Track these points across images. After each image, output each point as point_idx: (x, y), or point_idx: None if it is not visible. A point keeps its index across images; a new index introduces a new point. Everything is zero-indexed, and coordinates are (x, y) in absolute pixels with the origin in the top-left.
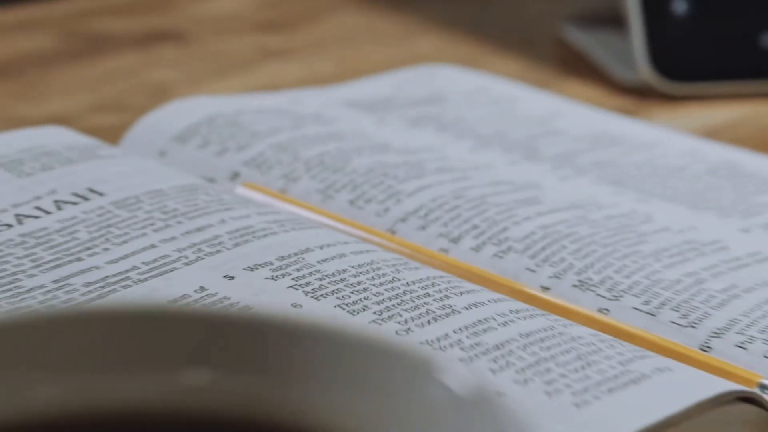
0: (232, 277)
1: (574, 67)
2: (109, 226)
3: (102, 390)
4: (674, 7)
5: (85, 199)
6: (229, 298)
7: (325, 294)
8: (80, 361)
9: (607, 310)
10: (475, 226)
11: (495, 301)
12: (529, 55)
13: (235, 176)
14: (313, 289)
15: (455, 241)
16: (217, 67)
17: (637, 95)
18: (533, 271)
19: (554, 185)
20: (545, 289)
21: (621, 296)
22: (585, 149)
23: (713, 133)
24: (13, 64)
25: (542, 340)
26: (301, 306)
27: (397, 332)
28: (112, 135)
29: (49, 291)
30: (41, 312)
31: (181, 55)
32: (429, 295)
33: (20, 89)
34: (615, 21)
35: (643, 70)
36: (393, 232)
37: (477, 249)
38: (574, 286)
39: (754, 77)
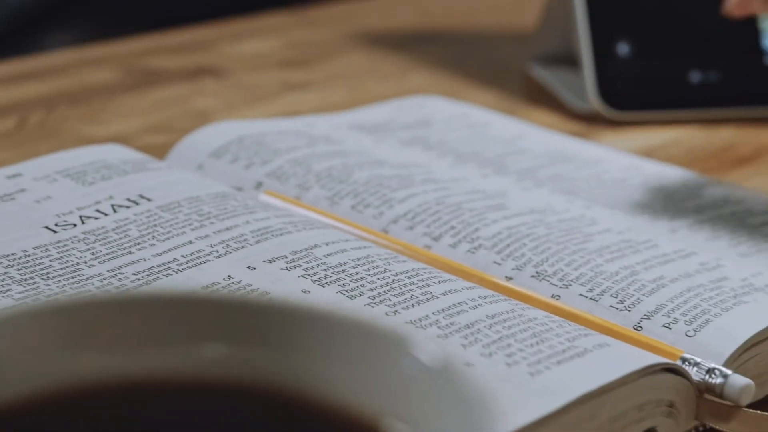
0: (254, 268)
1: (538, 98)
2: (155, 225)
3: (139, 361)
4: (618, 49)
5: (136, 203)
6: (251, 285)
7: (329, 282)
8: (122, 339)
9: (558, 296)
10: (453, 227)
11: (467, 289)
12: (501, 88)
13: (259, 185)
14: (319, 278)
15: (436, 239)
16: (248, 96)
17: (588, 121)
18: (499, 264)
19: (518, 194)
20: (509, 278)
21: (570, 285)
22: (544, 165)
23: (649, 153)
24: (84, 93)
25: (504, 320)
26: (309, 292)
27: (386, 314)
28: (161, 151)
29: (104, 279)
30: (92, 297)
31: (219, 86)
32: (413, 283)
33: (89, 114)
34: (571, 61)
35: (592, 100)
36: (386, 232)
37: (454, 246)
38: (532, 276)
39: (683, 107)
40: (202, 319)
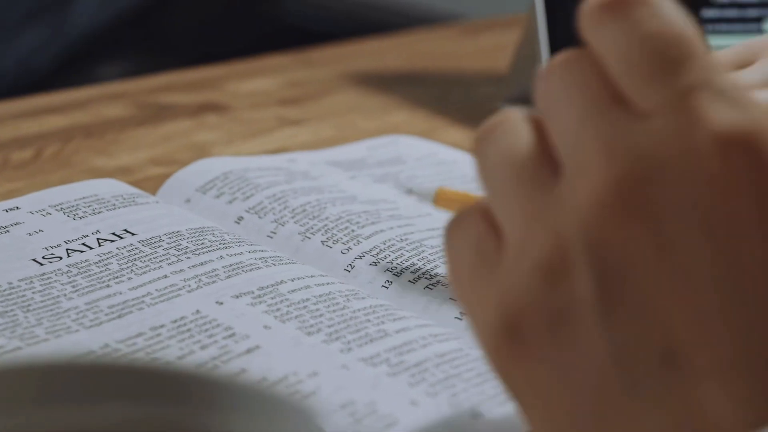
0: (222, 303)
1: None
2: (135, 259)
3: (53, 420)
4: None
5: (121, 237)
6: (216, 320)
7: (290, 318)
8: (38, 397)
9: None
10: (414, 264)
11: (420, 327)
12: (474, 126)
13: (240, 219)
14: (281, 314)
15: (398, 274)
16: (246, 131)
17: None
18: (455, 299)
19: None
20: (463, 314)
21: None
22: None
23: None
24: (97, 127)
25: (453, 359)
26: (270, 327)
27: (341, 350)
28: (161, 183)
29: (80, 311)
30: (12, 361)
31: (222, 121)
32: (369, 320)
33: (100, 146)
34: None
35: None
36: (352, 267)
37: (413, 281)
38: None
39: None
40: (104, 379)
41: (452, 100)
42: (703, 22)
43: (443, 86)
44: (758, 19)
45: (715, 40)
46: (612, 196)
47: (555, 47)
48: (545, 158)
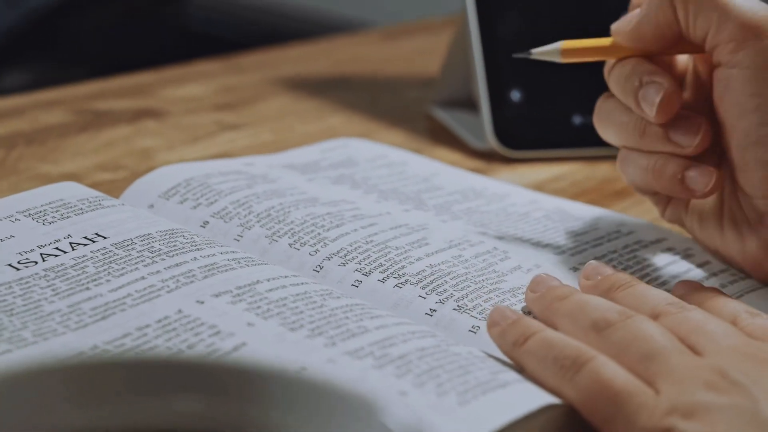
0: (203, 302)
1: (441, 138)
2: (111, 262)
3: (119, 414)
4: (511, 95)
5: (93, 241)
6: (200, 318)
7: (272, 315)
8: (122, 390)
9: (478, 327)
10: (381, 264)
11: (397, 325)
12: (408, 129)
13: (205, 224)
14: (262, 312)
15: (367, 274)
16: (187, 137)
17: (486, 159)
18: (424, 298)
19: (438, 226)
20: (433, 311)
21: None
22: (458, 200)
23: (540, 186)
24: (39, 134)
25: (433, 353)
26: (254, 324)
27: (325, 345)
28: (110, 187)
29: (64, 314)
30: (72, 359)
31: (160, 127)
32: (348, 318)
33: (44, 153)
34: (469, 105)
35: (490, 140)
36: (321, 268)
37: (383, 281)
38: (454, 309)
39: (568, 146)
40: (177, 373)
41: (383, 104)
42: None
43: (372, 90)
44: None
45: None
46: None
47: (488, 50)
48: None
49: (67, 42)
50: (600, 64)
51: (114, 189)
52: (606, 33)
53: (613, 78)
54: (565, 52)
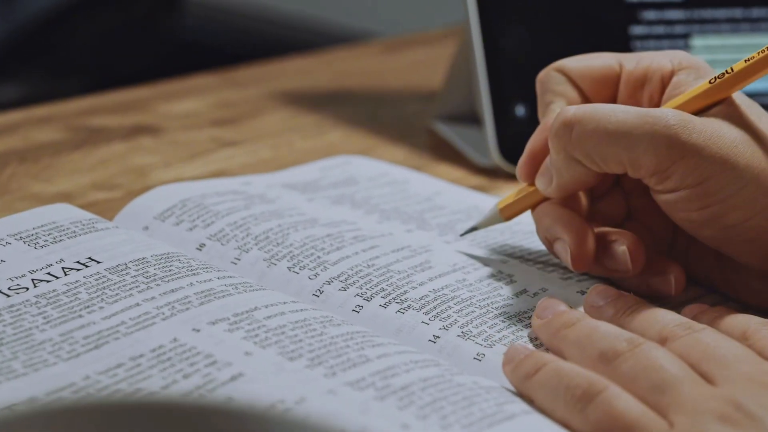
0: (199, 330)
1: (444, 154)
2: (104, 288)
3: None
4: (516, 111)
5: (86, 266)
6: (195, 348)
7: (270, 344)
8: None
9: (483, 354)
10: (383, 289)
11: (399, 353)
12: (409, 144)
13: (201, 246)
14: (260, 340)
15: (368, 299)
16: (184, 154)
17: (490, 175)
18: (427, 324)
19: (441, 248)
20: (436, 337)
21: (494, 345)
22: (462, 219)
23: None
24: (31, 152)
25: (436, 384)
26: (252, 354)
27: (325, 375)
28: (106, 207)
29: (56, 343)
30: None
31: (157, 144)
32: (349, 346)
33: (36, 172)
34: (472, 119)
35: (494, 156)
36: (321, 292)
37: (385, 306)
38: (458, 336)
39: None
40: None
41: (384, 119)
42: (630, 39)
43: (373, 104)
44: (685, 36)
45: None
46: None
47: (491, 63)
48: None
49: (61, 54)
50: None
51: (109, 209)
52: (608, 46)
53: (536, 224)
54: (503, 211)
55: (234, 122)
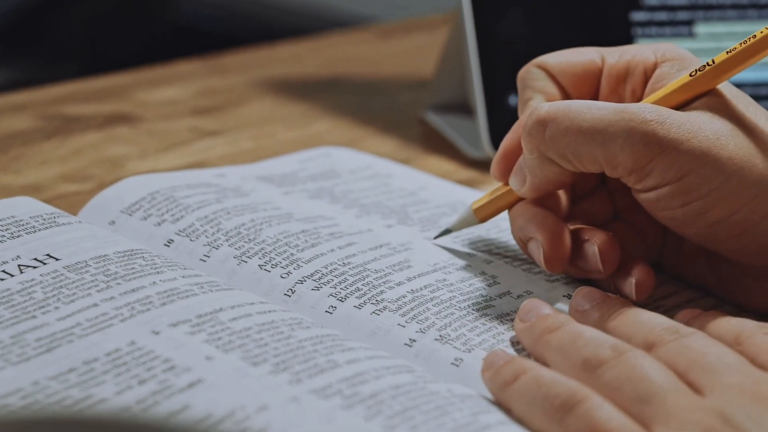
0: (158, 333)
1: (434, 145)
2: (61, 287)
3: None
4: (509, 100)
5: (44, 263)
6: (154, 351)
7: (233, 348)
8: None
9: (461, 359)
10: (358, 289)
11: (370, 359)
12: (399, 135)
13: (170, 242)
14: (223, 344)
15: (342, 300)
16: (160, 144)
17: (482, 168)
18: (403, 326)
19: (422, 246)
20: (412, 341)
21: (473, 349)
22: (446, 213)
23: None
24: (1, 141)
25: (408, 392)
26: (213, 358)
27: (290, 381)
28: (76, 200)
29: (5, 346)
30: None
31: (133, 134)
32: (317, 351)
33: (4, 163)
34: (465, 108)
35: (486, 148)
36: (293, 291)
37: (359, 307)
38: (436, 339)
39: None
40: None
41: (374, 108)
42: (631, 25)
43: (364, 93)
44: (689, 23)
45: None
46: None
47: (484, 51)
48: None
49: (51, 39)
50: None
51: (78, 202)
52: (607, 33)
53: (511, 224)
54: (477, 211)
55: (216, 111)
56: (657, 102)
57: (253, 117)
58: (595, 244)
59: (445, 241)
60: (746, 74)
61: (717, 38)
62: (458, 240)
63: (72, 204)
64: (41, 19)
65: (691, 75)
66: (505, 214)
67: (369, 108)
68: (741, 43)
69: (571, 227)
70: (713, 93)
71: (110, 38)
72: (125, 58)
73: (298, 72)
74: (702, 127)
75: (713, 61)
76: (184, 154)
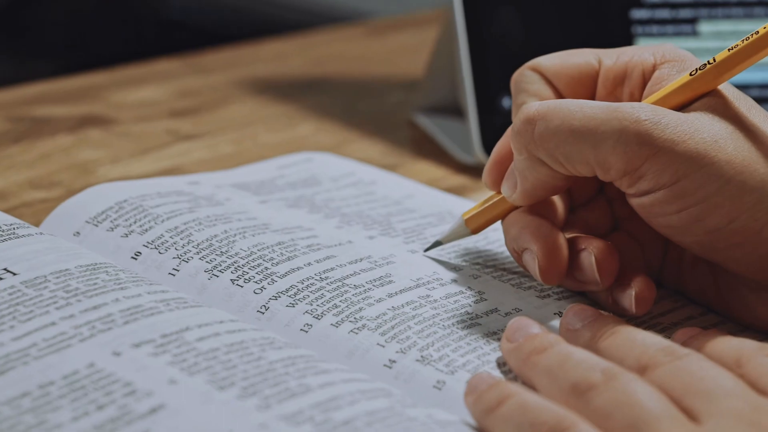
0: (119, 354)
1: (424, 149)
2: (18, 304)
3: None
4: (502, 102)
5: (0, 278)
6: (114, 374)
7: (199, 370)
8: None
9: (443, 382)
10: (336, 306)
11: (346, 382)
12: (387, 138)
13: (137, 255)
14: (188, 366)
15: (318, 317)
16: (135, 148)
17: (474, 174)
18: (383, 346)
19: (405, 259)
20: (392, 361)
21: (456, 371)
22: (433, 224)
23: None
24: None
25: (384, 418)
26: (177, 382)
27: (258, 408)
28: (41, 208)
29: None
30: None
31: (106, 137)
32: (288, 373)
33: None
34: (456, 110)
35: (477, 152)
36: (266, 308)
37: (336, 325)
38: (417, 360)
39: None
40: None
41: (362, 110)
42: (632, 23)
43: (351, 94)
44: (692, 21)
45: (645, 43)
46: None
47: (475, 50)
48: None
49: (29, 35)
50: None
51: (44, 210)
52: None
53: (504, 234)
54: (468, 222)
55: (194, 113)
56: (655, 103)
57: (233, 119)
58: (592, 253)
59: (432, 253)
60: (752, 75)
61: (722, 37)
62: (444, 252)
63: (38, 212)
64: (19, 14)
65: (691, 74)
66: (496, 224)
67: (356, 109)
68: (743, 40)
69: (568, 236)
70: (714, 94)
71: (92, 34)
72: (108, 56)
73: (283, 71)
74: (699, 129)
75: (714, 60)
76: (159, 159)
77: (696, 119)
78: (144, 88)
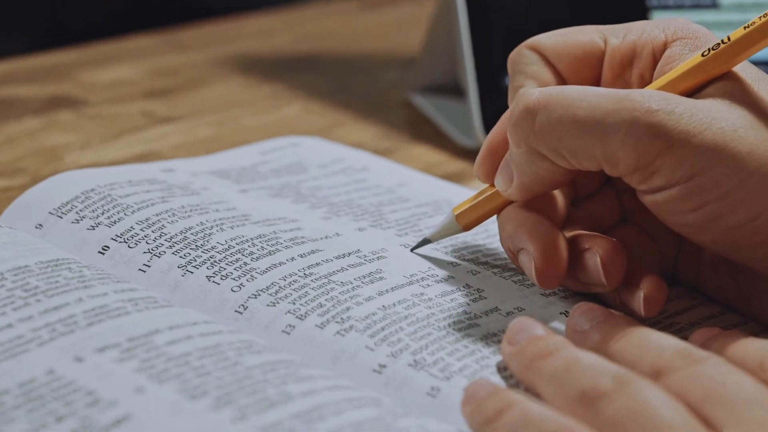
0: (81, 360)
1: (421, 132)
2: None
3: None
4: (505, 82)
5: None
6: (75, 382)
7: (168, 378)
8: None
9: (438, 388)
10: (321, 305)
11: (330, 389)
12: (382, 121)
13: (105, 249)
14: (157, 373)
15: (302, 318)
16: (107, 131)
17: (474, 158)
18: (372, 349)
19: (398, 253)
20: (382, 366)
21: (451, 377)
22: (428, 214)
23: None
24: None
25: (371, 430)
26: (144, 390)
27: (233, 419)
28: (2, 198)
29: None
30: None
31: (76, 119)
32: (267, 381)
33: None
34: (455, 90)
35: (478, 135)
36: (245, 308)
37: (321, 326)
38: (410, 365)
39: None
40: None
41: (354, 90)
42: None
43: (342, 72)
44: None
45: (660, 16)
46: None
47: (475, 25)
48: None
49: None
50: None
51: (6, 200)
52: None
53: (499, 231)
54: (460, 217)
55: (172, 93)
56: (664, 87)
57: (214, 100)
58: (597, 253)
59: (425, 249)
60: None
61: (744, 9)
62: (440, 246)
63: (0, 204)
64: None
65: (703, 55)
66: (494, 217)
67: (348, 89)
68: (761, 17)
69: (570, 233)
70: (729, 76)
71: (62, 8)
72: (79, 32)
73: (268, 48)
74: (717, 118)
75: (728, 39)
76: (133, 143)
77: (712, 107)
78: (117, 66)
